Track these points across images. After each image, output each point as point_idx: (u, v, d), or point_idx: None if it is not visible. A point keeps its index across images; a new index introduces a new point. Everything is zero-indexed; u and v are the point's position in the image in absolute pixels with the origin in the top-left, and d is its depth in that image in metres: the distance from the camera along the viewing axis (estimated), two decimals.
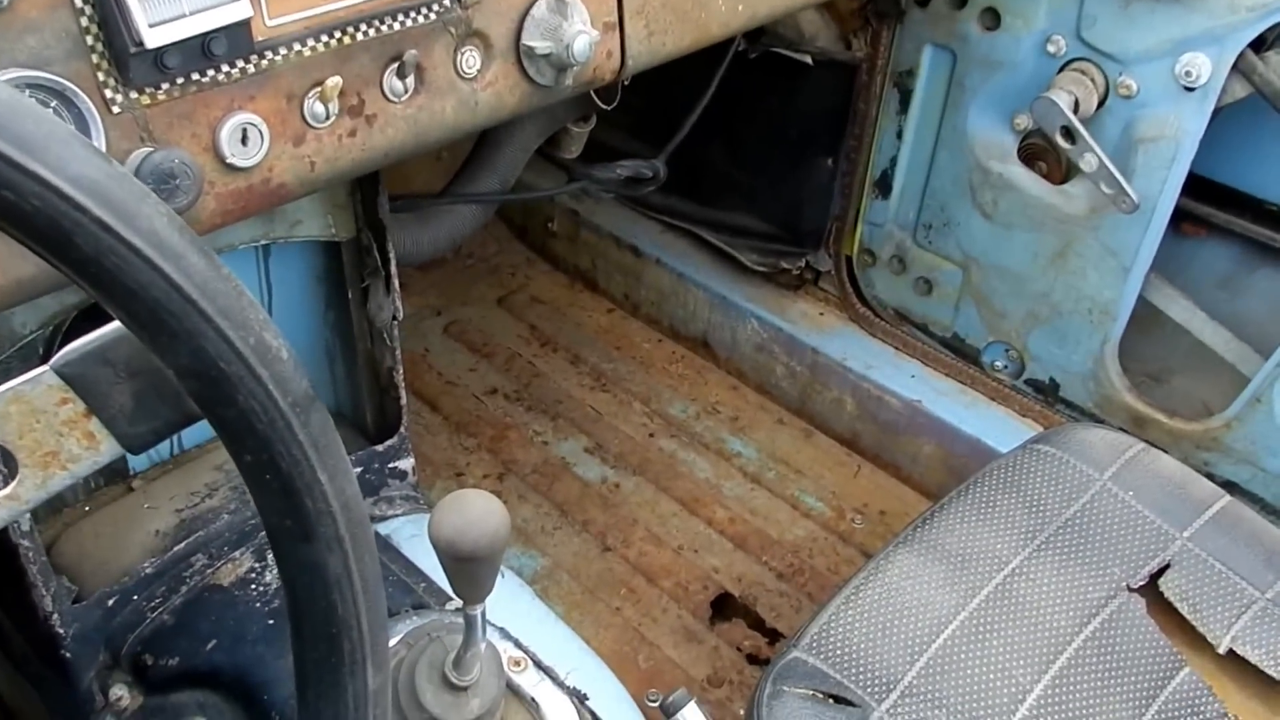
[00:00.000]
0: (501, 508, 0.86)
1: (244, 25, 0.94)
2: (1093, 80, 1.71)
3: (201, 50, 0.92)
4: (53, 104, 0.86)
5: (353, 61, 1.04)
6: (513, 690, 1.10)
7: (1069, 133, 1.70)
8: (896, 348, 2.23)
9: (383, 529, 1.50)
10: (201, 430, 1.38)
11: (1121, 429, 1.74)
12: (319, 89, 1.01)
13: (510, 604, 1.33)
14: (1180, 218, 1.84)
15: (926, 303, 2.15)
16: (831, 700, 1.22)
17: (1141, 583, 1.33)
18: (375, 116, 1.08)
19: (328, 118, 1.04)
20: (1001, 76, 1.83)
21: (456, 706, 0.98)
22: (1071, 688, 1.23)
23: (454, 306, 2.67)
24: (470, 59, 1.14)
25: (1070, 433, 1.54)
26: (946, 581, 1.33)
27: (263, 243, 1.42)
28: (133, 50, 0.87)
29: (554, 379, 2.47)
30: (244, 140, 0.98)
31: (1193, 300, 1.93)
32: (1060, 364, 1.98)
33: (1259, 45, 1.59)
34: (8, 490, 0.54)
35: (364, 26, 1.04)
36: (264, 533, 0.54)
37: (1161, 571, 1.35)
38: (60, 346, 0.53)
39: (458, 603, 1.00)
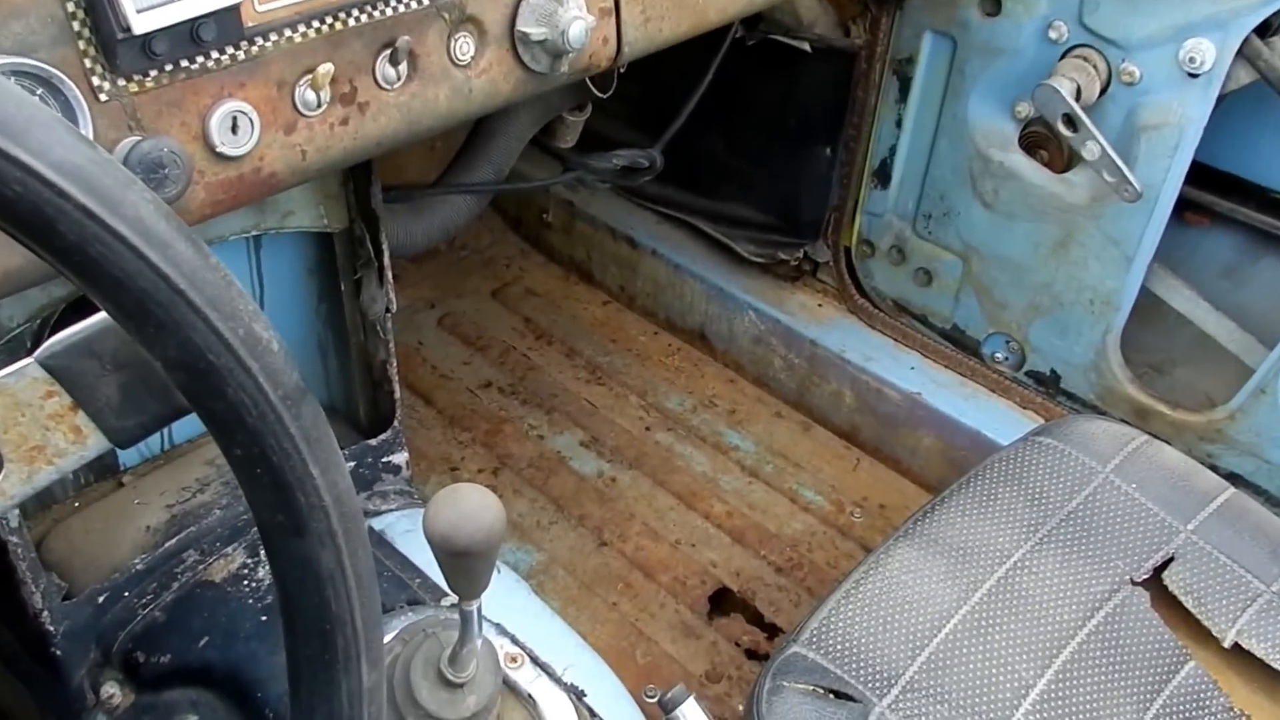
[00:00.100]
0: (497, 502, 0.85)
1: (233, 11, 0.93)
2: (1095, 67, 1.70)
3: (190, 36, 0.91)
4: (39, 91, 0.85)
5: (344, 48, 1.04)
6: (509, 687, 1.10)
7: (1071, 120, 1.69)
8: (896, 339, 2.23)
9: (376, 524, 1.49)
10: (192, 424, 1.38)
11: (1124, 421, 1.74)
12: (310, 76, 1.01)
13: (506, 599, 1.32)
14: (1183, 206, 1.83)
15: (926, 294, 2.14)
16: (832, 695, 1.22)
17: (1145, 576, 1.33)
18: (368, 104, 1.08)
19: (319, 106, 1.03)
20: (1002, 63, 1.82)
21: (452, 703, 0.97)
22: (1075, 683, 1.23)
23: (448, 299, 2.66)
24: (464, 45, 1.14)
25: (1072, 425, 1.53)
26: (948, 575, 1.32)
27: (254, 234, 1.41)
28: (120, 36, 0.86)
29: (549, 372, 2.46)
30: (234, 129, 0.97)
31: (1196, 290, 1.92)
32: (1062, 355, 1.98)
33: (1264, 30, 1.58)
34: None
35: (356, 12, 1.03)
36: (256, 528, 0.53)
37: (1166, 565, 1.34)
38: (47, 339, 0.53)
39: (453, 598, 0.99)
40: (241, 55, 0.96)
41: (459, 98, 1.16)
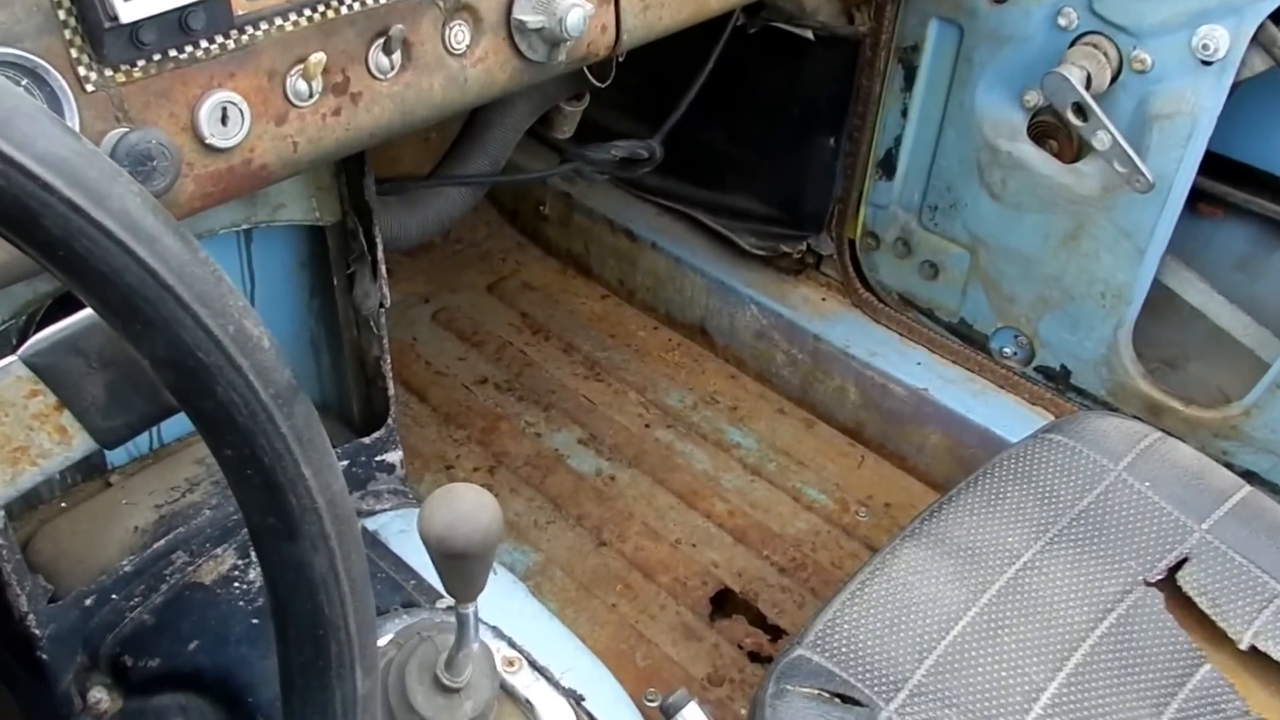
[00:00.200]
0: (494, 502, 0.85)
1: None
2: (1106, 54, 1.70)
3: (179, 25, 0.91)
4: (23, 82, 0.85)
5: (337, 37, 1.03)
6: (507, 692, 1.10)
7: (1081, 109, 1.69)
8: (901, 334, 2.23)
9: (370, 524, 1.49)
10: (181, 423, 1.37)
11: (1136, 417, 1.74)
12: (302, 66, 1.00)
13: (503, 601, 1.32)
14: (1197, 197, 1.83)
15: (932, 287, 2.14)
16: (838, 699, 1.21)
17: (1159, 577, 1.33)
18: (360, 95, 1.07)
19: (311, 96, 1.03)
20: (1010, 51, 1.81)
21: (449, 709, 0.97)
22: (1087, 686, 1.22)
23: (443, 293, 2.65)
24: (459, 34, 1.13)
25: (1083, 421, 1.53)
26: (956, 576, 1.32)
27: (244, 227, 1.41)
28: (107, 25, 0.86)
29: (546, 368, 2.46)
30: (224, 120, 0.97)
31: (1210, 283, 1.92)
32: (1072, 350, 1.97)
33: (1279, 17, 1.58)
34: None
35: (348, 0, 1.03)
36: (247, 529, 0.53)
37: (1180, 565, 1.34)
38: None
39: (448, 601, 0.99)
40: (231, 44, 0.96)
41: (454, 87, 1.15)
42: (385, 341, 1.57)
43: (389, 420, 1.62)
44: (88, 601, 1.34)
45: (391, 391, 1.61)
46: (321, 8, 1.01)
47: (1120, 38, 1.69)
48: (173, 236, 0.46)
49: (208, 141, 0.96)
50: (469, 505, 0.84)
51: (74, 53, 0.87)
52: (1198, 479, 1.44)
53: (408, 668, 0.99)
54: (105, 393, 0.53)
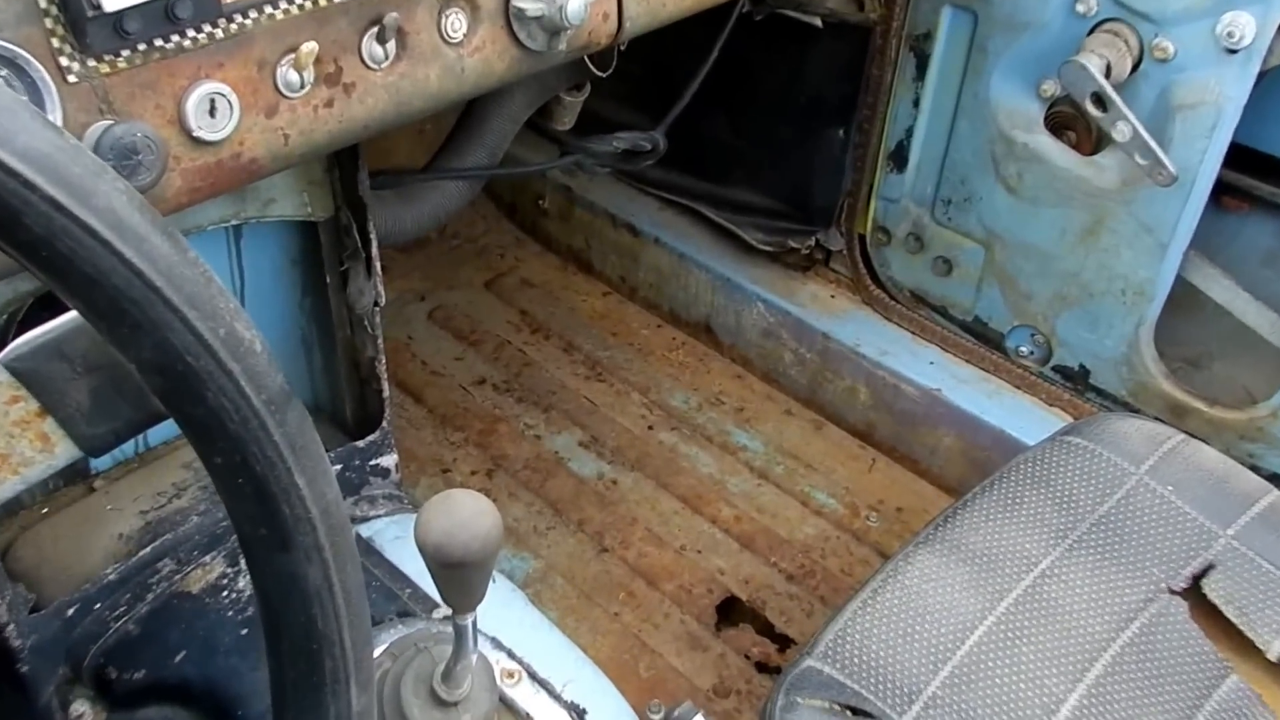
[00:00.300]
0: (493, 509, 0.84)
1: None
2: (1126, 42, 1.69)
3: (165, 14, 0.90)
4: (3, 73, 0.84)
5: (329, 25, 1.03)
6: (506, 705, 1.10)
7: (1100, 99, 1.68)
8: (914, 332, 2.22)
9: (364, 531, 1.49)
10: (168, 426, 1.37)
11: (1158, 419, 1.73)
12: (293, 56, 1.00)
13: (501, 611, 1.32)
14: (1221, 191, 1.83)
15: (946, 284, 2.13)
16: (849, 712, 1.21)
17: (1183, 584, 1.33)
18: (354, 85, 1.07)
19: (302, 87, 1.03)
20: (1027, 39, 1.81)
21: None
22: (1108, 698, 1.22)
23: (439, 291, 2.66)
24: (456, 22, 1.13)
25: (1103, 423, 1.53)
26: (971, 584, 1.32)
27: (233, 223, 1.41)
28: (90, 14, 0.86)
29: (546, 368, 2.46)
30: (212, 112, 0.97)
31: (1235, 279, 1.92)
32: (1091, 349, 1.97)
33: None
34: None
35: None
36: (236, 536, 0.53)
37: (1205, 572, 1.34)
38: (13, 339, 0.52)
39: (446, 610, 0.99)
40: (219, 33, 0.96)
41: (450, 78, 1.15)
42: (380, 341, 1.57)
43: (383, 423, 1.61)
44: (70, 611, 1.33)
45: (386, 393, 1.60)
46: None
47: (1141, 25, 1.68)
48: (160, 236, 0.46)
49: (195, 134, 0.96)
50: (467, 512, 0.83)
51: (56, 42, 0.87)
52: (1223, 483, 1.44)
53: (403, 680, 0.98)
54: (90, 399, 0.53)
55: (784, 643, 1.95)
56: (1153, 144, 1.67)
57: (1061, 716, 1.20)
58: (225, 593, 1.37)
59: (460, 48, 1.15)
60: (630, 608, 1.99)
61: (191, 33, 0.94)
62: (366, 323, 1.55)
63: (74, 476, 1.50)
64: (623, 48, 1.37)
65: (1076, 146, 1.82)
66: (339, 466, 1.58)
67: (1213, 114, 1.65)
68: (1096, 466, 1.45)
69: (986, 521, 1.39)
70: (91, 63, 0.89)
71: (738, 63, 2.03)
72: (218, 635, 1.32)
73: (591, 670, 1.34)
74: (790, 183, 2.32)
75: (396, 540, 1.46)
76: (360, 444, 1.60)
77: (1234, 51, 1.60)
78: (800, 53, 2.15)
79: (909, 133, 2.05)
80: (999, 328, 2.10)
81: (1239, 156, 1.76)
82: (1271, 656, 1.27)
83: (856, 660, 1.25)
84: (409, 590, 1.35)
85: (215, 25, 0.95)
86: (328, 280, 1.57)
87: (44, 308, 1.20)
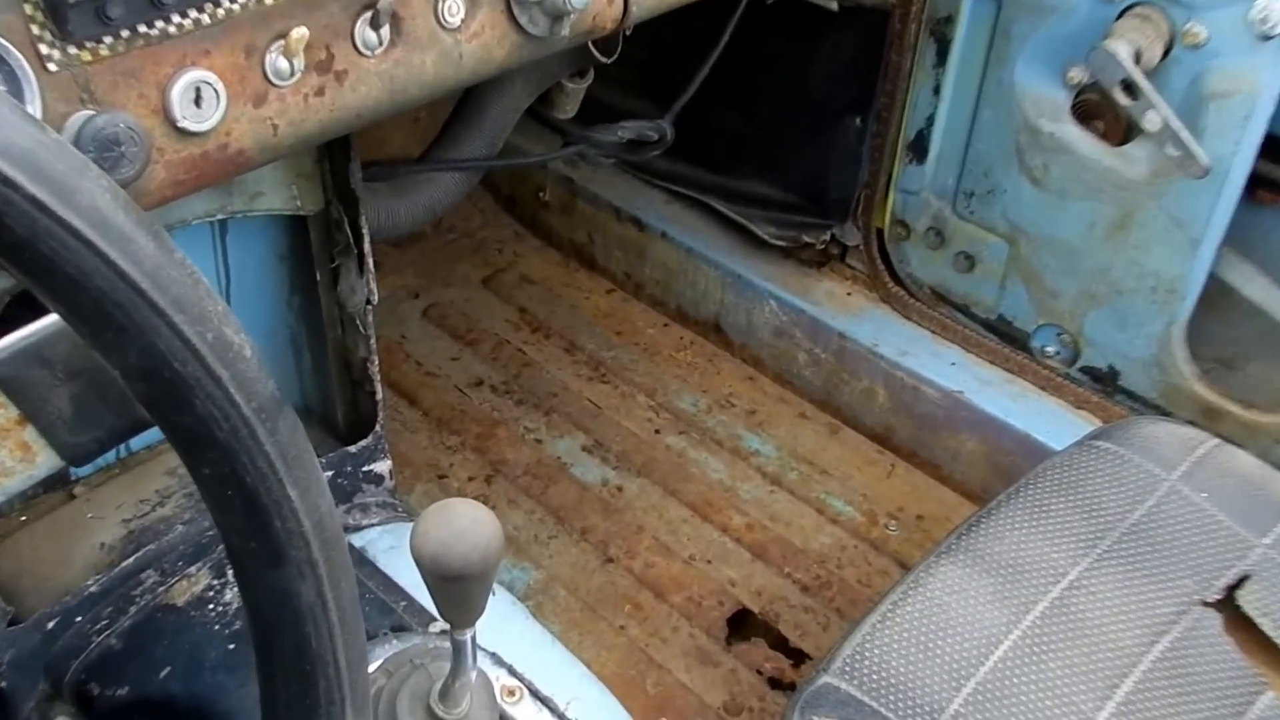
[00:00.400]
0: (493, 518, 0.84)
1: None
2: (1156, 27, 1.69)
3: None
4: None
5: (320, 11, 1.03)
6: None
7: (1130, 87, 1.68)
8: (934, 332, 2.22)
9: (357, 540, 1.49)
10: (152, 430, 1.37)
11: (1191, 422, 1.73)
12: (282, 42, 1.00)
13: (501, 624, 1.32)
14: (1256, 184, 1.82)
15: (968, 281, 2.13)
16: None
17: (1217, 596, 1.32)
18: (346, 73, 1.07)
19: (292, 74, 1.03)
20: (1053, 24, 1.81)
21: None
22: (1139, 715, 1.22)
23: (434, 288, 2.66)
24: (453, 6, 1.13)
25: (1133, 427, 1.53)
26: (996, 596, 1.32)
27: (219, 218, 1.41)
28: (71, 0, 0.86)
29: (547, 369, 2.46)
30: (197, 101, 0.97)
31: (1270, 277, 1.91)
32: (1120, 349, 1.97)
33: None
34: None
35: None
36: (224, 548, 0.53)
37: (1240, 583, 1.33)
38: None
39: (443, 625, 0.99)
40: (206, 19, 0.96)
41: (448, 65, 1.15)
42: (372, 341, 1.57)
43: (377, 427, 1.62)
44: (50, 624, 1.34)
45: (379, 395, 1.61)
46: None
47: (1172, 9, 1.68)
48: (146, 236, 0.46)
49: (180, 124, 0.96)
50: (465, 522, 0.83)
51: (35, 29, 0.87)
52: (1259, 489, 1.44)
53: (399, 698, 0.98)
54: (72, 406, 0.53)
55: (799, 658, 1.94)
56: (1184, 134, 1.67)
57: None
58: (211, 606, 1.37)
59: (458, 33, 1.15)
60: (636, 621, 1.99)
61: (177, 18, 0.94)
62: (358, 321, 1.55)
63: (54, 483, 1.50)
64: (628, 32, 1.37)
65: (1105, 136, 1.82)
66: (330, 473, 1.58)
67: (1247, 103, 1.65)
68: (1126, 472, 1.44)
69: (1011, 530, 1.39)
70: (72, 50, 0.89)
71: (749, 48, 2.03)
72: (204, 650, 1.32)
73: (596, 687, 1.35)
74: (804, 174, 2.32)
75: (391, 550, 1.46)
76: (352, 449, 1.60)
77: (1269, 38, 1.60)
78: (815, 37, 2.15)
79: (929, 122, 2.05)
80: (1024, 327, 2.09)
81: (1274, 148, 1.76)
82: None
83: (875, 677, 1.25)
84: (404, 603, 1.35)
85: (202, 10, 0.95)
86: (318, 277, 1.57)
87: (22, 306, 1.21)
